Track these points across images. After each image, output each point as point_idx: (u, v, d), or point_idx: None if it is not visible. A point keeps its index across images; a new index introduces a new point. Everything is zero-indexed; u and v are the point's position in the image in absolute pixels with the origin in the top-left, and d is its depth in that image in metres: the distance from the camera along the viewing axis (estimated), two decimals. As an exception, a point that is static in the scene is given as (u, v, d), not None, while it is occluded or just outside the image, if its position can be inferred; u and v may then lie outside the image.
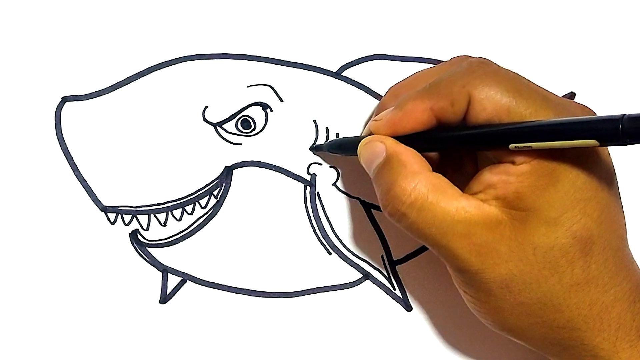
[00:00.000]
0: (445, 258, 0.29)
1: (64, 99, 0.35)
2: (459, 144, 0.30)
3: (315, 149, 0.36)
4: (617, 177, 0.30)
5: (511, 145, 0.27)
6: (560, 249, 0.27)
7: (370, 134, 0.32)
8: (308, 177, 0.36)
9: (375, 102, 0.37)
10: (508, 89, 0.28)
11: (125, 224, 0.36)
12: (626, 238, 0.30)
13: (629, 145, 0.24)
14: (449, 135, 0.30)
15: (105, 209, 0.35)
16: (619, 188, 0.30)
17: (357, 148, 0.32)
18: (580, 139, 0.25)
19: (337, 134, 0.36)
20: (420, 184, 0.29)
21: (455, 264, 0.29)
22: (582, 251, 0.28)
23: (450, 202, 0.28)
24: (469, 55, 0.33)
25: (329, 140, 0.36)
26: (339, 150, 0.35)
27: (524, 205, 0.28)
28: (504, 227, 0.28)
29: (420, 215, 0.28)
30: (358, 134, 0.37)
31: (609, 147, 0.29)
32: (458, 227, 0.28)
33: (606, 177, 0.29)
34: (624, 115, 0.24)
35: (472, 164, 0.33)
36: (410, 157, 0.30)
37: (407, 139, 0.30)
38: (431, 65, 0.35)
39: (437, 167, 0.32)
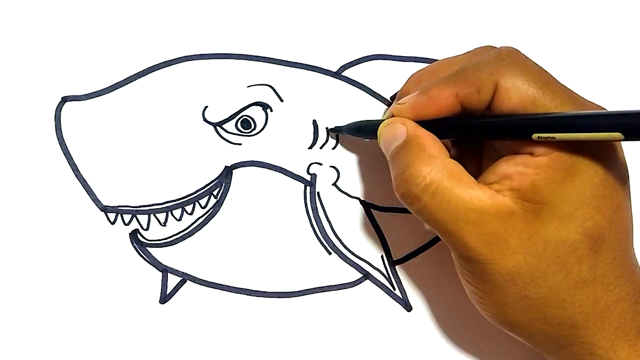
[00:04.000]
0: (454, 246, 0.29)
1: (64, 99, 0.35)
2: (482, 132, 0.29)
3: (333, 130, 0.36)
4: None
5: (534, 135, 0.27)
6: (570, 244, 0.27)
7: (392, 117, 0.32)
8: (308, 177, 0.36)
9: (375, 102, 0.37)
10: (535, 80, 0.28)
11: (125, 224, 0.36)
12: (632, 239, 0.30)
13: (636, 145, 0.24)
14: (472, 122, 0.30)
15: (105, 209, 0.35)
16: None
17: (376, 132, 0.32)
18: (605, 132, 0.25)
19: (337, 135, 0.36)
20: (437, 168, 0.29)
21: (463, 252, 0.29)
22: (592, 249, 0.28)
23: (464, 189, 0.28)
24: (494, 45, 0.33)
25: (348, 123, 0.36)
26: (358, 133, 0.35)
27: (539, 198, 0.27)
28: (516, 219, 0.28)
29: (434, 200, 0.28)
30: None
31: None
32: (470, 215, 0.28)
33: (621, 177, 0.29)
34: None
35: (476, 161, 0.33)
36: (429, 141, 0.30)
37: (429, 125, 0.30)
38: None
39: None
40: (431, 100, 0.30)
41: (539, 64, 0.29)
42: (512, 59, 0.29)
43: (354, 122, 0.35)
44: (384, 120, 0.32)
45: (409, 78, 0.34)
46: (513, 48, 0.30)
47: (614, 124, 0.25)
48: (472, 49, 0.34)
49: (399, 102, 0.32)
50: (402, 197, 0.30)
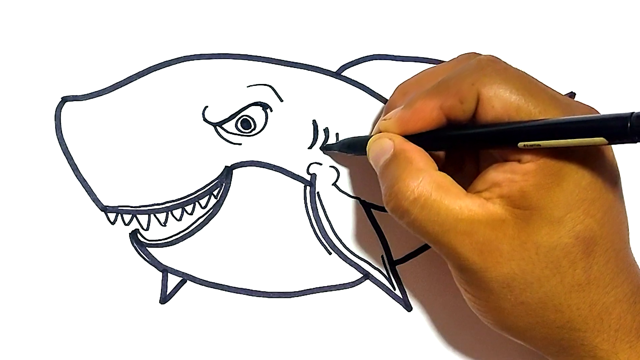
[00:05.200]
0: (447, 256, 0.29)
1: (64, 99, 0.35)
2: (468, 142, 0.30)
3: (325, 148, 0.36)
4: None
5: (520, 144, 0.27)
6: (562, 249, 0.27)
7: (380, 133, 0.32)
8: (308, 177, 0.36)
9: (375, 102, 0.37)
10: (517, 87, 0.28)
11: (125, 224, 0.36)
12: (628, 239, 0.30)
13: (633, 145, 0.24)
14: (457, 134, 0.30)
15: (105, 209, 0.35)
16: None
17: (365, 147, 0.32)
18: (589, 137, 0.25)
19: (337, 134, 0.36)
20: (425, 181, 0.29)
21: (456, 262, 0.29)
22: (585, 252, 0.28)
23: (453, 200, 0.28)
24: (477, 52, 0.33)
25: (339, 140, 0.36)
26: (349, 150, 0.35)
27: (528, 204, 0.27)
28: (507, 226, 0.28)
29: (423, 212, 0.28)
30: (358, 134, 0.37)
31: (613, 148, 0.29)
32: (460, 225, 0.28)
33: (611, 178, 0.29)
34: (633, 113, 0.24)
35: (473, 164, 0.33)
36: (416, 155, 0.30)
37: (416, 138, 0.30)
38: (434, 65, 0.35)
39: (441, 166, 0.32)
40: (416, 114, 0.30)
41: (522, 69, 0.29)
42: (492, 67, 0.29)
43: (344, 140, 0.36)
44: (372, 136, 0.32)
45: (395, 90, 0.35)
46: (493, 56, 0.30)
47: (597, 128, 0.25)
48: (473, 48, 0.34)
49: (384, 117, 0.32)
50: (392, 211, 0.30)
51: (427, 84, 0.31)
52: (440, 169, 0.30)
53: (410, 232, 0.30)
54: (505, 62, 0.29)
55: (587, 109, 0.30)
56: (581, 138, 0.25)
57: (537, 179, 0.27)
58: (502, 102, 0.28)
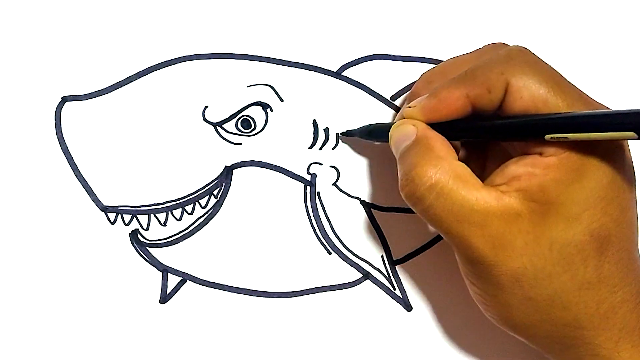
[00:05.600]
0: (458, 247, 0.29)
1: (64, 99, 0.35)
2: (494, 133, 0.29)
3: (346, 134, 0.36)
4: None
5: (547, 136, 0.27)
6: (576, 246, 0.27)
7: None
8: (308, 177, 0.36)
9: (375, 102, 0.37)
10: (546, 80, 0.28)
11: (125, 224, 0.36)
12: (637, 240, 0.30)
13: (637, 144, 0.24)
14: (484, 124, 0.29)
15: (105, 209, 0.35)
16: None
17: (387, 134, 0.32)
18: (619, 131, 0.25)
19: (337, 134, 0.36)
20: (443, 169, 0.28)
21: (467, 254, 0.29)
22: (598, 250, 0.27)
23: (470, 191, 0.28)
24: (504, 43, 0.33)
25: (360, 127, 0.36)
26: (370, 137, 0.35)
27: (546, 199, 0.27)
28: (522, 220, 0.28)
29: (438, 200, 0.28)
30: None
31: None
32: (475, 216, 0.28)
33: (628, 178, 0.29)
34: None
35: (480, 163, 0.33)
36: (438, 143, 0.29)
37: (440, 126, 0.30)
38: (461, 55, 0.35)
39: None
40: (441, 102, 0.30)
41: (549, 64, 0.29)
42: (522, 58, 0.29)
43: (365, 126, 0.35)
44: (395, 122, 0.32)
45: (419, 78, 0.34)
46: (523, 47, 0.30)
47: (627, 122, 0.25)
48: (473, 48, 0.34)
49: (409, 105, 0.32)
50: (407, 196, 0.29)
51: (451, 74, 0.30)
52: None
53: (424, 219, 0.29)
54: (534, 54, 0.29)
55: (608, 109, 0.30)
56: (611, 132, 0.25)
57: (558, 173, 0.27)
58: (530, 94, 0.28)
